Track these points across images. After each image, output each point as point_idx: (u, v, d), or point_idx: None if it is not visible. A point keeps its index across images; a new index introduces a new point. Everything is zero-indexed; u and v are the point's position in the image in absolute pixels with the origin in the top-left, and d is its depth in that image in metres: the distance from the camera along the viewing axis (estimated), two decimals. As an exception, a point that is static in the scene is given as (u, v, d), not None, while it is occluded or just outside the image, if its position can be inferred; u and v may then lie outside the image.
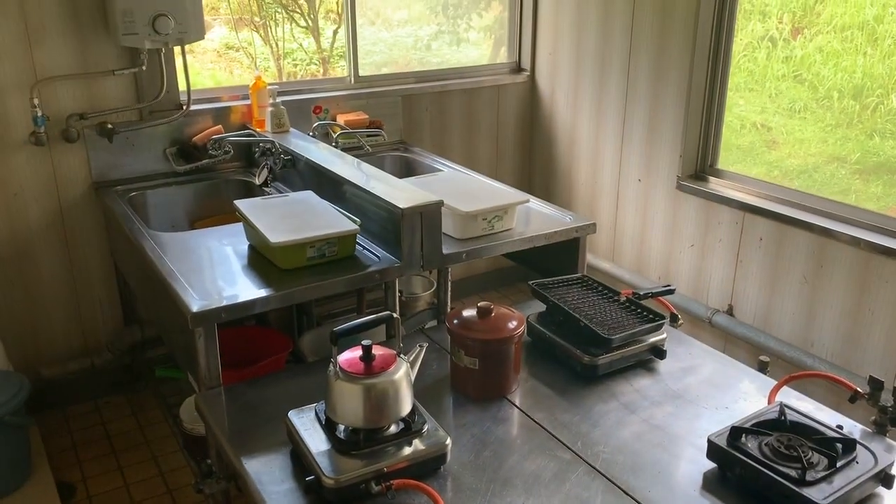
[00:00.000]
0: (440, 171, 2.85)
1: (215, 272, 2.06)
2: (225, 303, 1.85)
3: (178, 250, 2.19)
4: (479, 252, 2.22)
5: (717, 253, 3.02)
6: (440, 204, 2.08)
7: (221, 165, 2.98)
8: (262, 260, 2.13)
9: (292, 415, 1.62)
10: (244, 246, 2.24)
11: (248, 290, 1.94)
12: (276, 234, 2.01)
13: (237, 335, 2.54)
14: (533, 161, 3.90)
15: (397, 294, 2.16)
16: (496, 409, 1.77)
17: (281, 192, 2.71)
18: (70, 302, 2.89)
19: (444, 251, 2.14)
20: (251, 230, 2.16)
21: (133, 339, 2.96)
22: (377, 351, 1.58)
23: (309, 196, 2.36)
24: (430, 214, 2.07)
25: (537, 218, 2.46)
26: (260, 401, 1.79)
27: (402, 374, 1.56)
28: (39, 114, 2.61)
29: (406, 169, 3.20)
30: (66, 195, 2.79)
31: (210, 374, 1.87)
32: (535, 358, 1.95)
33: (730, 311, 2.99)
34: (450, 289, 2.30)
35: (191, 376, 2.00)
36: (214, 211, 2.93)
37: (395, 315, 1.59)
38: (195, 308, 1.81)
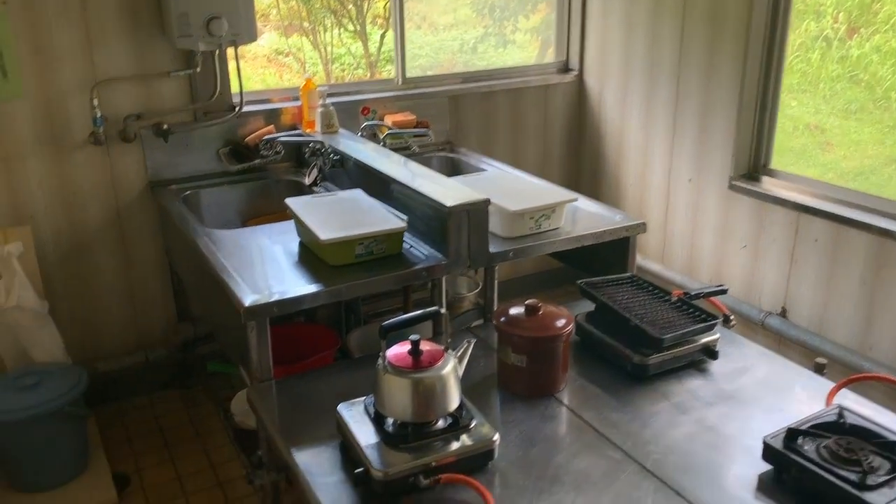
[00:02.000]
0: (486, 170, 2.85)
1: (267, 268, 2.10)
2: (276, 297, 1.88)
3: (231, 247, 2.23)
4: (525, 251, 2.21)
5: (770, 254, 2.95)
6: (487, 202, 2.08)
7: (272, 165, 3.03)
8: (311, 257, 2.16)
9: (342, 408, 1.63)
10: (295, 243, 2.27)
11: (298, 285, 1.97)
12: (326, 232, 2.03)
13: (287, 332, 2.57)
14: (580, 161, 3.87)
15: (444, 292, 2.16)
16: (544, 406, 1.76)
17: (330, 192, 2.74)
18: (126, 298, 2.97)
19: (491, 249, 2.14)
20: (301, 227, 2.19)
21: (186, 336, 3.03)
22: (425, 346, 1.58)
23: (358, 194, 2.38)
24: (476, 213, 2.08)
25: (585, 217, 2.44)
26: (310, 394, 1.81)
27: (450, 369, 1.56)
28: (98, 114, 2.69)
29: (452, 169, 3.21)
30: (122, 194, 2.87)
31: (262, 368, 1.90)
32: (583, 357, 1.93)
33: (783, 314, 2.92)
34: (496, 288, 2.30)
35: (242, 370, 2.03)
36: (266, 210, 2.98)
37: (441, 310, 1.60)
38: (248, 302, 1.85)
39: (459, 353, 1.63)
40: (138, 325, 3.02)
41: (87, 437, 2.61)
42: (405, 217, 2.14)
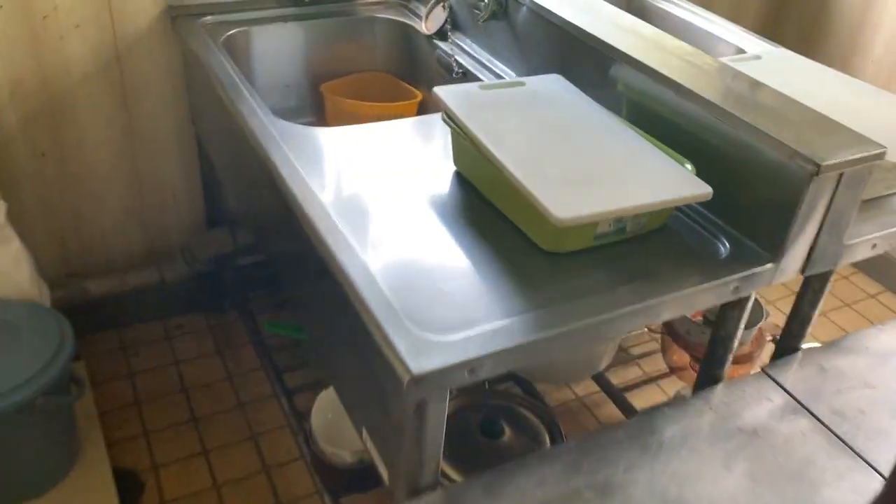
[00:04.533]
0: (755, 53, 1.70)
1: (416, 239, 1.07)
2: (476, 352, 0.88)
3: (324, 167, 1.19)
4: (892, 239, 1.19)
5: None
6: (880, 156, 1.03)
7: (364, -7, 1.89)
8: (488, 212, 1.13)
9: None
10: (437, 160, 1.24)
11: (495, 304, 0.96)
12: (553, 195, 0.99)
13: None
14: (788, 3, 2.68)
15: (743, 317, 1.15)
16: None
17: (471, 56, 1.64)
18: (128, 187, 1.94)
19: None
20: (468, 152, 1.14)
21: (221, 249, 2.04)
22: None
23: (560, 86, 1.30)
24: (854, 177, 1.03)
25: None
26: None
27: None
28: None
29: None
30: (124, 24, 1.74)
31: (424, 471, 0.95)
32: None
33: None
34: (819, 306, 1.29)
35: (379, 465, 1.08)
36: (348, 67, 1.89)
37: None
38: (416, 367, 0.85)
39: None
40: (148, 229, 2.01)
41: (75, 419, 1.70)
42: (691, 167, 1.09)
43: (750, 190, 1.08)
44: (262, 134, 1.29)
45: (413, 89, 1.84)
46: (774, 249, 1.06)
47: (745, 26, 1.80)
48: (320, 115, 1.89)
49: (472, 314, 0.94)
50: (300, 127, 1.34)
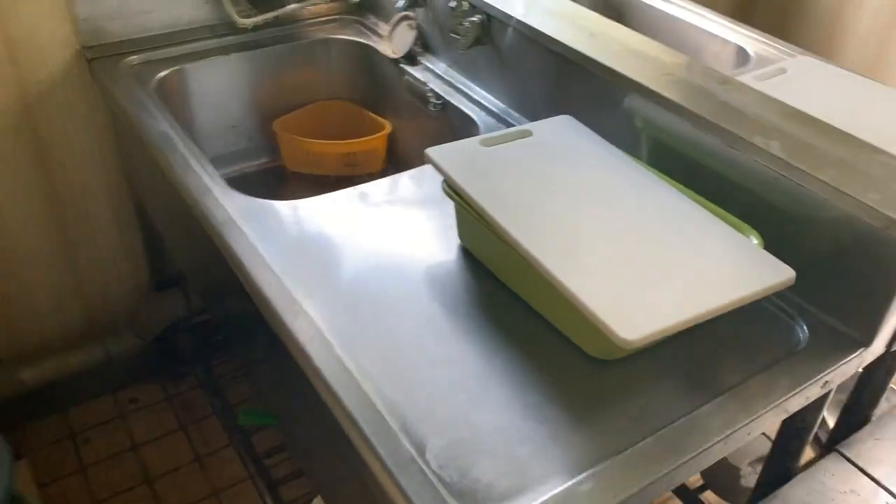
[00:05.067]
0: (780, 66, 1.50)
1: (426, 351, 0.86)
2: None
3: (292, 255, 0.97)
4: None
5: None
6: None
7: (314, 10, 1.64)
8: (508, 301, 0.93)
9: None
10: (430, 233, 1.02)
11: (548, 448, 0.76)
12: (610, 305, 0.79)
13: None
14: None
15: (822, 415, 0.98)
16: None
17: (448, 83, 1.42)
18: (58, 259, 1.66)
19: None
20: (495, 245, 0.93)
21: (173, 314, 1.79)
22: None
23: (573, 131, 1.09)
24: (960, 240, 0.86)
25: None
26: None
27: None
28: None
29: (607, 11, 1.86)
30: (32, 73, 1.46)
31: None
32: None
33: None
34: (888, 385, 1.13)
35: None
36: (303, 97, 1.64)
37: None
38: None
39: None
40: (87, 303, 1.74)
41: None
42: (757, 240, 0.90)
43: (826, 260, 0.90)
44: (216, 219, 1.05)
45: (380, 119, 1.61)
46: (865, 331, 0.88)
47: (719, 5, 1.65)
48: (276, 154, 1.65)
49: (525, 471, 0.74)
50: (260, 202, 1.10)
